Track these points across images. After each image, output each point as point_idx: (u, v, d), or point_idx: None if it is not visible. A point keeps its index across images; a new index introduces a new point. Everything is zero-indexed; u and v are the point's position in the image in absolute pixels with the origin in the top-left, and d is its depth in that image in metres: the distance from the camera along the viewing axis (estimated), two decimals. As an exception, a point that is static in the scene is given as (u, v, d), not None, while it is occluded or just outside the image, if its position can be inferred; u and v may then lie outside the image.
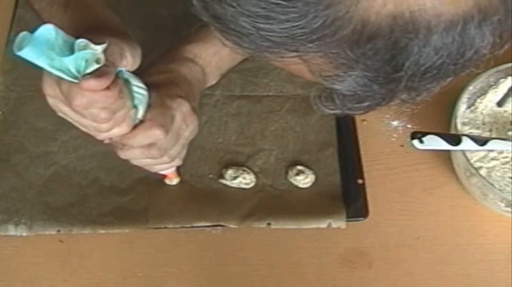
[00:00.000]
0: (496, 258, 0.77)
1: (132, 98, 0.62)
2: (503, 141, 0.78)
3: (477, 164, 0.78)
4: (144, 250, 0.78)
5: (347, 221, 0.78)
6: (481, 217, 0.80)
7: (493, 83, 0.84)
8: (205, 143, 0.85)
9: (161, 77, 0.70)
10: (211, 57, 0.77)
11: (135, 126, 0.65)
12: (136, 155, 0.68)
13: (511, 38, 0.42)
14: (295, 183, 0.81)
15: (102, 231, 0.78)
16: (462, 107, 0.82)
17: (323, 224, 0.78)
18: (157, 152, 0.68)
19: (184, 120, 0.69)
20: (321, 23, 0.37)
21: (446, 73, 0.42)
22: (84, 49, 0.54)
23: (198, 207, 0.79)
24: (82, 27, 0.61)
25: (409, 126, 0.86)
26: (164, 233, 0.78)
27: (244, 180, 0.81)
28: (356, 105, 0.44)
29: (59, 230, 0.77)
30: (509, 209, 0.77)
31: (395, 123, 0.87)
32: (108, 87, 0.56)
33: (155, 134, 0.65)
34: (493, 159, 0.79)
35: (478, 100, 0.84)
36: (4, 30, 0.92)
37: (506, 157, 0.79)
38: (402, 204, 0.81)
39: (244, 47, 0.41)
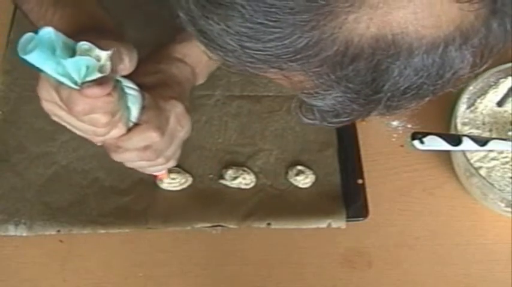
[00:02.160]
0: (496, 258, 0.77)
1: (125, 99, 0.62)
2: (503, 142, 0.78)
3: (477, 164, 0.78)
4: (144, 250, 0.78)
5: (347, 221, 0.78)
6: (481, 217, 0.80)
7: (493, 83, 0.84)
8: (205, 143, 0.85)
9: (152, 79, 0.69)
10: (201, 57, 0.76)
11: (130, 129, 0.64)
12: (131, 158, 0.68)
13: (491, 57, 0.42)
14: (295, 183, 0.81)
15: (102, 231, 0.78)
16: (462, 107, 0.82)
17: (323, 224, 0.78)
18: (153, 154, 0.67)
19: (179, 121, 0.69)
20: (305, 44, 0.37)
21: (424, 93, 0.42)
22: (88, 52, 0.53)
23: (198, 207, 0.79)
24: (73, 28, 0.60)
25: (409, 126, 0.86)
26: (164, 233, 0.78)
27: (244, 180, 0.81)
28: (335, 119, 0.45)
29: (59, 230, 0.77)
30: (509, 209, 0.77)
31: (395, 123, 0.87)
32: (109, 93, 0.55)
33: (151, 136, 0.65)
34: (493, 159, 0.79)
35: (478, 100, 0.84)
36: (4, 31, 0.92)
37: (506, 157, 0.79)
38: (402, 204, 0.81)
39: (229, 61, 0.41)
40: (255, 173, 0.82)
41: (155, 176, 0.79)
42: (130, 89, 0.62)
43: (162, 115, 0.66)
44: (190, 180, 0.81)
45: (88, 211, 0.79)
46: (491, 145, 0.77)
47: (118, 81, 0.60)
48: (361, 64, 0.39)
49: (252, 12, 0.37)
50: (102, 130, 0.61)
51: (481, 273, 0.76)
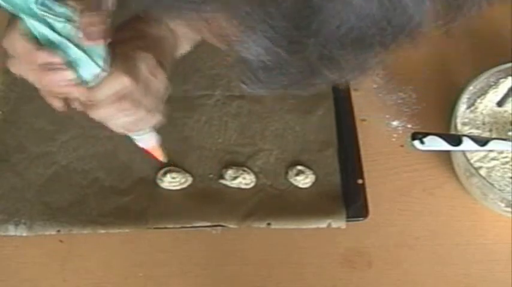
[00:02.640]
0: (496, 258, 0.77)
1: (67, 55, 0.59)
2: (503, 142, 0.78)
3: (477, 164, 0.78)
4: (144, 250, 0.78)
5: (347, 221, 0.78)
6: (481, 217, 0.80)
7: (493, 83, 0.84)
8: (205, 143, 0.85)
9: (125, 34, 0.66)
10: None
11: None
12: (109, 112, 0.64)
13: (461, 13, 0.38)
14: (295, 183, 0.81)
15: (102, 231, 0.78)
16: (462, 107, 0.82)
17: (323, 224, 0.78)
18: (130, 104, 0.64)
19: (151, 72, 0.65)
20: None
21: (369, 42, 0.37)
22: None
23: (198, 207, 0.79)
24: None
25: (409, 126, 0.86)
26: (164, 233, 0.78)
27: (244, 180, 0.81)
28: (274, 79, 0.41)
29: (59, 230, 0.77)
30: (509, 209, 0.77)
31: (395, 123, 0.87)
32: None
33: (123, 81, 0.62)
34: (493, 159, 0.79)
35: (478, 100, 0.84)
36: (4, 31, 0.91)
37: (506, 157, 0.79)
38: (402, 204, 0.81)
39: (148, 4, 0.39)
40: (255, 173, 0.82)
41: (149, 153, 0.75)
42: (75, 48, 0.59)
43: (131, 63, 0.64)
44: (190, 180, 0.81)
45: (88, 211, 0.79)
46: (491, 145, 0.77)
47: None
48: (287, 1, 0.35)
49: None
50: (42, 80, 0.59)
51: (481, 273, 0.76)
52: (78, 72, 0.60)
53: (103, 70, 0.61)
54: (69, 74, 0.59)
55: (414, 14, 0.36)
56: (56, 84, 0.59)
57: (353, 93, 0.89)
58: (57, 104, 0.63)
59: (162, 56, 0.68)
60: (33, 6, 0.54)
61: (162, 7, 0.38)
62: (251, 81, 0.41)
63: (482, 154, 0.79)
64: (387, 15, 0.35)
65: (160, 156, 0.75)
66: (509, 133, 0.82)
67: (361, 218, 0.79)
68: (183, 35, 0.74)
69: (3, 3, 0.52)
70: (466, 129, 0.82)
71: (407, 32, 0.36)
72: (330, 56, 0.37)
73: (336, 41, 0.36)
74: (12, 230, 0.77)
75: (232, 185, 0.81)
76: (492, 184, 0.75)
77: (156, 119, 0.69)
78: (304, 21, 0.35)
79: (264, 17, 0.36)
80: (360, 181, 0.81)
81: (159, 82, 0.67)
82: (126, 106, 0.64)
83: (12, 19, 0.56)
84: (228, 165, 0.82)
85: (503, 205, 0.77)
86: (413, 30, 0.36)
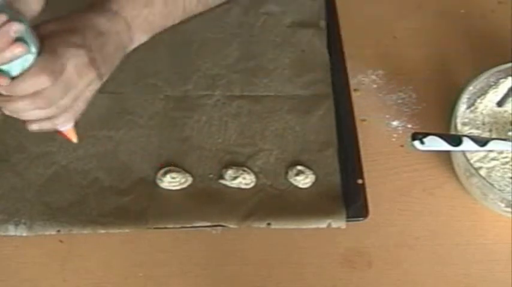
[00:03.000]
0: (496, 258, 0.77)
1: (8, 61, 0.58)
2: (503, 142, 0.78)
3: (477, 164, 0.78)
4: (144, 250, 0.78)
5: (347, 221, 0.78)
6: (481, 217, 0.80)
7: (493, 83, 0.84)
8: (205, 143, 0.85)
9: (63, 25, 0.65)
10: (140, 10, 0.71)
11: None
12: (22, 107, 0.63)
13: None
14: (295, 183, 0.81)
15: (102, 231, 0.78)
16: (462, 107, 0.82)
17: (323, 224, 0.78)
18: (43, 101, 0.63)
19: (78, 71, 0.64)
20: None
21: None
22: None
23: (198, 207, 0.79)
24: None
25: (409, 126, 0.86)
26: (164, 233, 0.78)
27: (244, 180, 0.81)
28: None
29: (59, 230, 0.77)
30: (509, 209, 0.77)
31: (395, 123, 0.87)
32: None
33: (41, 80, 0.61)
34: (493, 159, 0.79)
35: (478, 100, 0.84)
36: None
37: (506, 157, 0.79)
38: (402, 204, 0.81)
39: None
40: (255, 173, 0.82)
41: (63, 135, 0.72)
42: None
43: (57, 61, 0.63)
44: (190, 180, 0.81)
45: (88, 211, 0.79)
46: (491, 145, 0.77)
47: (22, 41, 0.58)
48: None
49: None
50: None
51: (481, 273, 0.76)
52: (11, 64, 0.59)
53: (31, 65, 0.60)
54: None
55: None
56: None
57: (353, 93, 0.89)
58: None
59: (101, 52, 0.66)
60: None
61: None
62: None
63: (482, 154, 0.79)
64: None
65: (73, 137, 0.73)
66: (509, 133, 0.82)
67: (361, 218, 0.79)
68: (139, 27, 0.73)
69: None
70: (466, 130, 0.82)
71: None
72: None
73: None
74: (12, 230, 0.77)
75: (232, 185, 0.81)
76: (492, 184, 0.75)
77: (69, 117, 0.68)
78: None
79: None
80: (360, 181, 0.81)
81: (83, 82, 0.66)
82: (38, 102, 0.63)
83: None
84: (228, 165, 0.82)
85: (503, 205, 0.77)
86: None
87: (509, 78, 0.84)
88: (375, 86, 0.90)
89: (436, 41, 0.94)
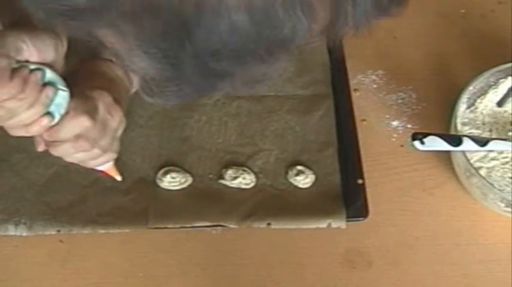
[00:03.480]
0: (496, 258, 0.77)
1: (49, 104, 0.61)
2: (503, 142, 0.78)
3: (477, 164, 0.78)
4: (144, 250, 0.78)
5: (347, 221, 0.78)
6: (481, 217, 0.80)
7: (493, 83, 0.84)
8: (205, 143, 0.85)
9: (81, 74, 0.67)
10: None
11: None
12: (66, 150, 0.66)
13: (336, 28, 0.38)
14: (295, 183, 0.81)
15: (102, 231, 0.78)
16: (462, 107, 0.82)
17: (323, 224, 0.78)
18: (87, 143, 0.66)
19: (108, 110, 0.67)
20: None
21: (245, 56, 0.37)
22: None
23: (198, 207, 0.79)
24: None
25: (409, 126, 0.86)
26: (164, 233, 0.78)
27: (244, 180, 0.81)
28: (167, 91, 0.42)
29: (59, 230, 0.77)
30: (509, 209, 0.77)
31: (395, 123, 0.87)
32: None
33: (81, 121, 0.63)
34: (493, 159, 0.79)
35: (478, 100, 0.84)
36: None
37: (506, 157, 0.79)
38: (402, 204, 0.81)
39: (39, 17, 0.39)
40: (255, 173, 0.82)
41: (105, 174, 0.76)
42: (62, 91, 0.61)
43: (90, 103, 0.65)
44: (190, 180, 0.81)
45: (88, 211, 0.79)
46: (491, 145, 0.77)
47: (51, 84, 0.60)
48: (160, 15, 0.35)
49: None
50: (7, 123, 0.60)
51: (481, 273, 0.76)
52: (53, 119, 0.62)
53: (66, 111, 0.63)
54: (43, 120, 0.61)
55: (287, 29, 0.36)
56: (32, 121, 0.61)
57: (353, 94, 0.89)
58: (15, 134, 0.63)
59: (117, 93, 0.69)
60: None
61: (67, 27, 0.39)
62: (147, 93, 0.42)
63: (482, 154, 0.79)
64: (260, 30, 0.36)
65: (116, 175, 0.76)
66: (509, 133, 0.82)
67: (361, 218, 0.79)
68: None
69: None
70: (466, 130, 0.82)
71: (281, 46, 0.37)
72: (209, 69, 0.38)
73: (210, 55, 0.36)
74: (12, 230, 0.77)
75: (232, 185, 0.81)
76: (492, 184, 0.75)
77: (111, 156, 0.72)
78: (177, 38, 0.36)
79: (140, 34, 0.37)
80: (360, 181, 0.81)
81: (115, 121, 0.68)
82: (82, 145, 0.66)
83: None
84: (228, 165, 0.82)
85: (503, 205, 0.77)
86: (287, 45, 0.37)
87: (509, 78, 0.84)
88: (374, 86, 0.90)
89: (436, 41, 0.94)
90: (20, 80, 0.57)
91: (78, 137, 0.65)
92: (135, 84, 0.74)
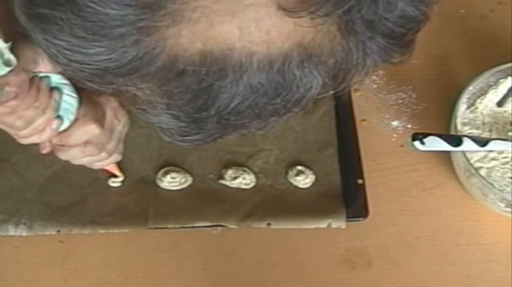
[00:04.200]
0: (496, 258, 0.77)
1: (58, 107, 0.62)
2: (503, 142, 0.78)
3: (477, 164, 0.78)
4: (144, 250, 0.78)
5: (347, 221, 0.78)
6: (481, 217, 0.80)
7: (493, 83, 0.84)
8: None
9: None
10: None
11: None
12: (75, 155, 0.69)
13: (351, 79, 0.40)
14: (295, 183, 0.81)
15: (102, 231, 0.78)
16: (462, 107, 0.82)
17: (323, 224, 0.78)
18: (95, 148, 0.69)
19: (115, 115, 0.69)
20: (131, 58, 0.37)
21: (264, 112, 0.40)
22: None
23: (198, 207, 0.79)
24: None
25: (409, 126, 0.86)
26: (164, 233, 0.78)
27: (244, 180, 0.81)
28: (186, 138, 0.43)
29: (58, 230, 0.77)
30: (509, 209, 0.77)
31: (395, 123, 0.87)
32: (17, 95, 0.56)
33: (91, 128, 0.66)
34: (493, 159, 0.79)
35: (478, 100, 0.84)
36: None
37: (506, 157, 0.79)
38: (402, 204, 0.81)
39: (68, 73, 0.40)
40: (255, 173, 0.82)
41: (107, 172, 0.79)
42: (69, 97, 0.62)
43: (98, 108, 0.67)
44: (190, 180, 0.81)
45: (88, 211, 0.79)
46: (491, 146, 0.77)
47: (57, 89, 0.61)
48: (186, 80, 0.37)
49: (70, 25, 0.36)
50: (21, 133, 0.61)
51: (481, 273, 0.76)
52: (62, 122, 0.64)
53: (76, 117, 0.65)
54: (54, 123, 0.63)
55: (307, 88, 0.38)
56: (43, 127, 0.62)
57: (353, 94, 0.89)
58: (27, 142, 0.65)
59: (121, 97, 0.69)
60: None
61: (89, 82, 0.40)
62: (168, 137, 0.44)
63: (482, 154, 0.79)
64: (277, 89, 0.38)
65: (118, 173, 0.79)
66: (509, 133, 0.82)
67: (361, 218, 0.79)
68: None
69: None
70: (466, 130, 0.82)
71: (298, 102, 0.39)
72: (230, 123, 0.40)
73: (231, 111, 0.39)
74: (12, 230, 0.77)
75: (232, 185, 0.81)
76: (492, 184, 0.75)
77: (115, 159, 0.74)
78: (200, 98, 0.38)
79: (165, 94, 0.39)
80: (360, 181, 0.81)
81: (121, 125, 0.71)
82: (90, 150, 0.68)
83: None
84: (228, 165, 0.82)
85: (503, 205, 0.77)
86: (303, 101, 0.39)
87: (509, 78, 0.84)
88: (375, 86, 0.90)
89: (436, 41, 0.94)
90: (35, 89, 0.58)
91: (87, 142, 0.67)
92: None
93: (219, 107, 0.39)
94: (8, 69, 0.53)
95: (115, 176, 0.80)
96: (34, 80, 0.58)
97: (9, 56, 0.53)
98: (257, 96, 0.38)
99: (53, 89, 0.61)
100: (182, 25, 0.35)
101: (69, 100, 0.63)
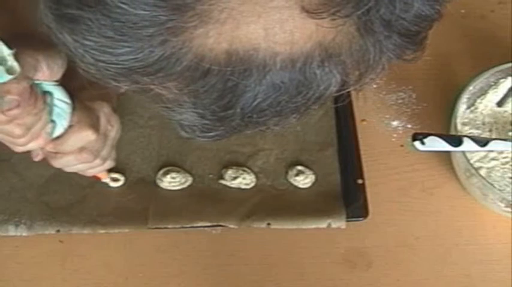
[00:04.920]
0: (496, 258, 0.77)
1: (51, 111, 0.61)
2: (504, 142, 0.78)
3: (477, 164, 0.78)
4: (144, 250, 0.78)
5: (347, 221, 0.78)
6: (481, 217, 0.80)
7: (493, 83, 0.84)
8: (205, 143, 0.84)
9: (76, 82, 0.67)
10: None
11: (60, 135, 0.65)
12: (69, 162, 0.68)
13: (368, 77, 0.42)
14: (295, 183, 0.81)
15: (102, 231, 0.78)
16: (462, 107, 0.82)
17: (323, 224, 0.78)
18: (90, 155, 0.68)
19: (109, 120, 0.69)
20: (158, 57, 0.37)
21: (286, 110, 0.41)
22: None
23: (198, 207, 0.79)
24: None
25: (409, 126, 0.86)
26: (164, 233, 0.78)
27: (244, 180, 0.81)
28: (208, 135, 0.45)
29: (58, 230, 0.77)
30: (509, 209, 0.77)
31: (395, 123, 0.87)
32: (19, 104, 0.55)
33: (86, 135, 0.65)
34: (493, 159, 0.79)
35: (478, 100, 0.84)
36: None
37: (506, 157, 0.79)
38: (402, 204, 0.81)
39: (93, 73, 0.41)
40: (255, 173, 0.82)
41: (96, 177, 0.79)
42: (62, 102, 0.62)
43: (92, 114, 0.67)
44: (190, 180, 0.81)
45: (88, 211, 0.79)
46: (491, 146, 0.77)
47: (48, 93, 0.60)
48: (212, 80, 0.39)
49: (99, 25, 0.37)
50: (19, 141, 0.61)
51: (481, 273, 0.76)
52: (55, 127, 0.63)
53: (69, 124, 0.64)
54: (48, 127, 0.62)
55: (326, 86, 0.40)
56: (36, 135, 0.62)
57: (353, 94, 0.88)
58: (22, 149, 0.64)
59: (112, 101, 0.71)
60: None
61: (113, 81, 0.41)
62: (188, 133, 0.45)
63: (482, 154, 0.79)
64: (298, 88, 0.40)
65: (104, 177, 0.79)
66: (510, 133, 0.82)
67: (361, 218, 0.79)
68: None
69: None
70: (466, 130, 0.82)
71: (318, 100, 0.41)
72: (252, 121, 0.42)
73: (254, 109, 0.40)
74: (12, 231, 0.77)
75: (232, 186, 0.81)
76: (492, 184, 0.75)
77: (109, 165, 0.74)
78: (225, 97, 0.40)
79: (191, 93, 0.40)
80: (360, 181, 0.81)
81: (114, 131, 0.70)
82: (85, 157, 0.68)
83: None
84: (228, 165, 0.82)
85: (503, 205, 0.77)
86: (323, 99, 0.41)
87: (509, 78, 0.84)
88: (374, 86, 0.90)
89: (436, 41, 0.94)
90: (33, 96, 0.58)
91: (81, 149, 0.67)
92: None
93: (243, 105, 0.40)
94: (10, 77, 0.53)
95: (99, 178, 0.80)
96: (32, 87, 0.58)
97: (12, 63, 0.53)
98: (279, 95, 0.40)
99: (44, 93, 0.60)
100: (209, 26, 0.36)
101: (60, 105, 0.62)
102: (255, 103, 0.40)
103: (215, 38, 0.37)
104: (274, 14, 0.36)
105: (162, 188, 0.81)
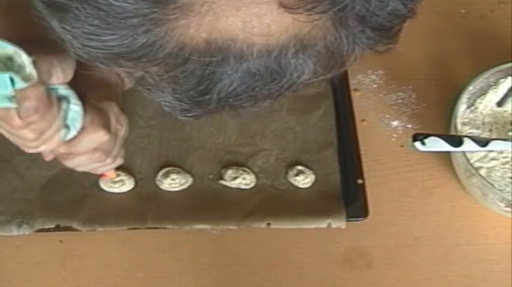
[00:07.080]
0: (496, 258, 0.77)
1: (66, 117, 0.61)
2: (504, 142, 0.78)
3: (477, 164, 0.78)
4: (144, 250, 0.78)
5: (347, 221, 0.78)
6: (481, 217, 0.80)
7: (493, 83, 0.84)
8: (205, 143, 0.85)
9: (84, 82, 0.68)
10: None
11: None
12: (82, 162, 0.69)
13: (340, 67, 0.44)
14: (295, 183, 0.81)
15: (101, 229, 0.78)
16: (462, 107, 0.82)
17: (323, 224, 0.78)
18: (102, 155, 0.69)
19: (118, 120, 0.70)
20: (141, 45, 0.40)
21: (260, 96, 0.44)
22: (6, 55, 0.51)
23: (198, 208, 0.79)
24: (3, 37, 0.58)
25: (409, 126, 0.86)
26: (164, 233, 0.78)
27: (244, 180, 0.81)
28: (188, 114, 0.47)
29: (58, 225, 0.77)
30: (509, 209, 0.77)
31: (395, 123, 0.87)
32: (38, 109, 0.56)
33: (99, 135, 0.66)
34: (493, 159, 0.79)
35: (478, 100, 0.84)
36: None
37: (506, 157, 0.79)
38: (402, 204, 0.81)
39: (82, 56, 0.43)
40: (255, 173, 0.82)
41: (104, 175, 0.79)
42: (75, 106, 0.62)
43: (103, 114, 0.67)
44: (190, 180, 0.81)
45: (88, 211, 0.79)
46: (491, 146, 0.77)
47: (64, 98, 0.60)
48: (191, 67, 0.41)
49: (86, 14, 0.39)
50: (31, 144, 0.61)
51: (481, 273, 0.76)
52: (69, 131, 0.63)
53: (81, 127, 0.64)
54: (61, 132, 0.62)
55: (299, 75, 0.42)
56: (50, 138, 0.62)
57: (353, 93, 0.89)
58: (33, 151, 0.65)
59: (119, 101, 0.71)
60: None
61: (101, 64, 0.43)
62: (171, 111, 0.47)
63: (482, 154, 0.79)
64: (273, 75, 0.42)
65: (112, 175, 0.79)
66: (510, 133, 0.82)
67: (361, 218, 0.79)
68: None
69: None
70: (466, 130, 0.82)
71: (291, 87, 0.43)
72: (228, 104, 0.44)
73: (230, 94, 0.42)
74: (15, 231, 0.77)
75: (232, 186, 0.81)
76: (492, 184, 0.75)
77: (119, 163, 0.75)
78: (202, 83, 0.42)
79: (171, 79, 0.42)
80: (360, 181, 0.81)
81: (124, 129, 0.71)
82: (97, 156, 0.69)
83: None
84: (228, 165, 0.82)
85: (503, 205, 0.77)
86: (296, 86, 0.43)
87: (509, 78, 0.84)
88: (375, 86, 0.90)
89: (436, 41, 0.94)
90: (48, 101, 0.58)
91: (94, 149, 0.68)
92: (127, 83, 0.75)
93: (219, 90, 0.42)
94: (26, 84, 0.53)
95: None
96: (48, 92, 0.58)
97: (31, 70, 0.53)
98: (254, 81, 0.42)
99: (60, 98, 0.61)
100: (190, 18, 0.38)
101: (75, 109, 0.62)
102: (231, 89, 0.42)
103: (195, 28, 0.39)
104: (253, 8, 0.38)
105: (162, 190, 0.81)
